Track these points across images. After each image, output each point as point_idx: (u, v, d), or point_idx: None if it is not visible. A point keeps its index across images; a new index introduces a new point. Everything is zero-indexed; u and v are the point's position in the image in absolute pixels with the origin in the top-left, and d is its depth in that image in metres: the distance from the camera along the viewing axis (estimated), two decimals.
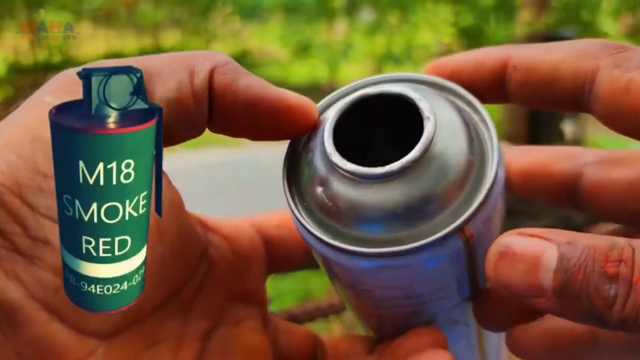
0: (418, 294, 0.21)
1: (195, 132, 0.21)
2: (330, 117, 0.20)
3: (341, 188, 0.19)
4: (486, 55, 0.22)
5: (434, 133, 0.19)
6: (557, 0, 3.80)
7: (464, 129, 0.20)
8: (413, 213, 0.19)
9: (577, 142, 2.68)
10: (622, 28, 4.33)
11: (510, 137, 2.64)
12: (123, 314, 0.18)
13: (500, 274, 0.17)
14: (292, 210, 0.20)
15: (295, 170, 0.21)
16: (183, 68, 0.19)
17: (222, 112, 0.20)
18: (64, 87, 0.18)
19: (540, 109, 0.22)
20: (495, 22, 4.35)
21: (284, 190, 0.21)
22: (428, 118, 0.19)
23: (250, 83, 0.20)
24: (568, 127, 2.71)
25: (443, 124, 0.19)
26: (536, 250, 0.17)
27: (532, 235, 0.17)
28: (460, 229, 0.18)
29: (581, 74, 0.20)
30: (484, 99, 0.21)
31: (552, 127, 2.70)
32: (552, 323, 0.23)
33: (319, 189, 0.20)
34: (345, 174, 0.19)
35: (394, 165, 0.19)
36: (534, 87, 0.21)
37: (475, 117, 0.21)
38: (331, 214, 0.20)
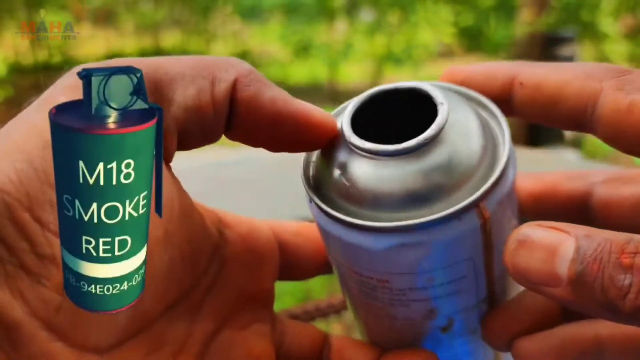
0: (436, 284, 0.21)
1: (212, 139, 0.21)
2: (347, 110, 0.21)
3: (360, 169, 0.20)
4: (497, 69, 0.23)
5: (448, 114, 0.20)
6: (557, 0, 3.80)
7: (475, 117, 0.21)
8: (430, 190, 0.19)
9: (576, 142, 2.67)
10: (622, 28, 4.33)
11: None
12: (126, 324, 0.18)
13: (518, 262, 0.18)
14: (312, 198, 0.21)
15: (312, 163, 0.22)
16: (205, 75, 0.19)
17: (243, 123, 0.20)
18: (76, 86, 0.18)
19: (543, 125, 0.23)
20: (495, 22, 4.35)
21: (302, 181, 0.21)
22: (442, 103, 0.20)
23: (275, 97, 0.20)
24: None
25: (456, 110, 0.20)
26: (554, 240, 0.18)
27: (551, 227, 0.18)
28: (476, 204, 0.19)
29: (585, 96, 0.20)
30: None
31: (552, 127, 2.69)
32: (558, 334, 0.23)
33: (337, 173, 0.20)
34: (364, 153, 0.20)
35: (411, 142, 0.19)
36: (539, 105, 0.22)
37: (485, 113, 0.22)
38: (350, 197, 0.20)
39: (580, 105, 0.21)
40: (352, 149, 0.20)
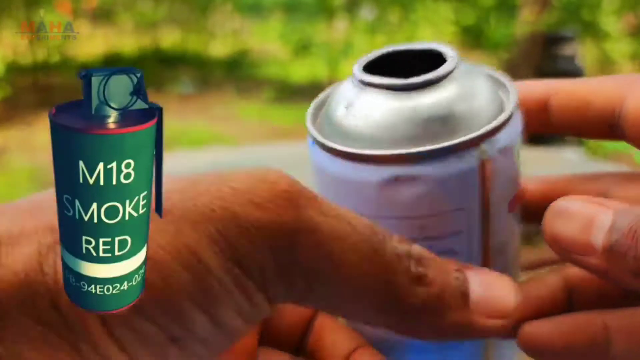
0: (427, 235, 0.20)
1: None
2: (360, 60, 0.22)
3: (366, 103, 0.20)
4: (534, 84, 0.24)
5: (458, 59, 0.21)
6: None
7: (485, 76, 0.22)
8: (432, 127, 0.19)
9: (578, 141, 2.67)
10: (623, 27, 4.33)
11: None
12: None
13: (556, 229, 0.19)
14: (312, 135, 0.21)
15: (320, 110, 0.22)
16: None
17: None
18: None
19: (579, 136, 0.25)
20: (495, 21, 4.36)
21: (307, 125, 0.21)
22: (453, 57, 0.21)
23: None
24: None
25: (467, 66, 0.21)
26: (592, 211, 0.18)
27: (589, 201, 0.19)
28: (477, 143, 0.19)
29: (613, 97, 0.22)
30: (529, 125, 0.23)
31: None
32: (567, 320, 0.23)
33: (343, 110, 0.21)
34: (370, 87, 0.20)
35: (418, 78, 0.20)
36: (573, 109, 0.23)
37: (495, 81, 0.23)
38: (352, 134, 0.20)
39: (609, 106, 0.22)
40: (360, 85, 0.21)
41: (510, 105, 0.21)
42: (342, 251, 0.17)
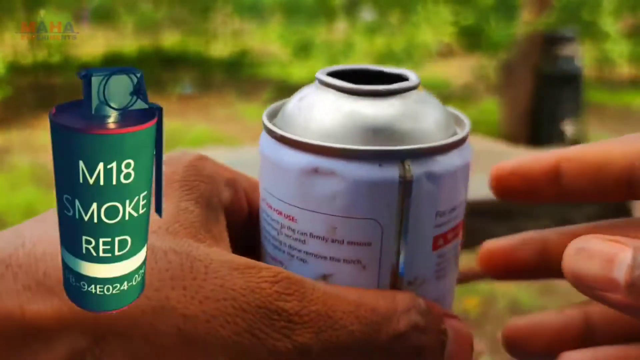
0: (337, 237, 0.20)
1: None
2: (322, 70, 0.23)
3: (317, 98, 0.21)
4: (543, 154, 0.24)
5: (417, 85, 0.21)
6: None
7: (444, 108, 0.22)
8: (370, 133, 0.20)
9: (577, 142, 2.67)
10: (623, 28, 4.33)
11: (510, 137, 2.64)
12: None
13: (577, 267, 0.19)
14: (264, 124, 0.22)
15: (274, 110, 0.23)
16: None
17: None
18: None
19: (594, 201, 0.24)
20: (495, 22, 4.35)
21: (263, 118, 0.22)
22: (413, 80, 0.22)
23: None
24: (568, 128, 2.71)
25: (427, 95, 0.22)
26: (612, 249, 0.19)
27: (608, 240, 0.19)
28: (401, 157, 0.19)
29: (631, 154, 0.21)
30: (541, 197, 0.24)
31: (553, 127, 2.70)
32: (609, 352, 0.24)
33: (295, 104, 0.22)
34: (327, 87, 0.21)
35: (367, 87, 0.21)
36: (587, 172, 0.23)
37: (453, 115, 0.23)
38: (297, 124, 0.21)
39: (627, 164, 0.21)
40: (317, 84, 0.22)
41: (453, 137, 0.21)
42: (334, 358, 0.19)
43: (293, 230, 0.21)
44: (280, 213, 0.21)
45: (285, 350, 0.18)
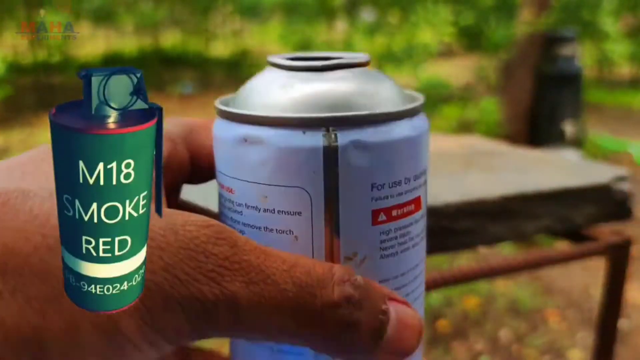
0: (269, 206, 0.20)
1: None
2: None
3: (265, 76, 0.22)
4: None
5: (365, 63, 0.22)
6: None
7: (396, 86, 0.22)
8: (307, 105, 0.20)
9: (577, 142, 2.68)
10: (622, 28, 4.33)
11: (510, 137, 2.64)
12: None
13: None
14: (216, 108, 0.22)
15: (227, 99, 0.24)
16: None
17: None
18: None
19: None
20: (495, 22, 4.36)
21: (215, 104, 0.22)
22: (362, 58, 0.22)
23: None
24: (568, 127, 2.71)
25: (377, 73, 0.22)
26: None
27: None
28: (324, 124, 0.19)
29: None
30: None
31: (552, 127, 2.70)
32: None
33: (248, 85, 0.22)
34: (277, 67, 0.21)
35: (313, 62, 0.21)
36: None
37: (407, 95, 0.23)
38: (244, 100, 0.21)
39: None
40: (268, 65, 0.22)
41: (389, 109, 0.20)
42: (263, 316, 0.18)
43: (232, 202, 0.21)
44: (222, 186, 0.22)
45: (212, 297, 0.17)
